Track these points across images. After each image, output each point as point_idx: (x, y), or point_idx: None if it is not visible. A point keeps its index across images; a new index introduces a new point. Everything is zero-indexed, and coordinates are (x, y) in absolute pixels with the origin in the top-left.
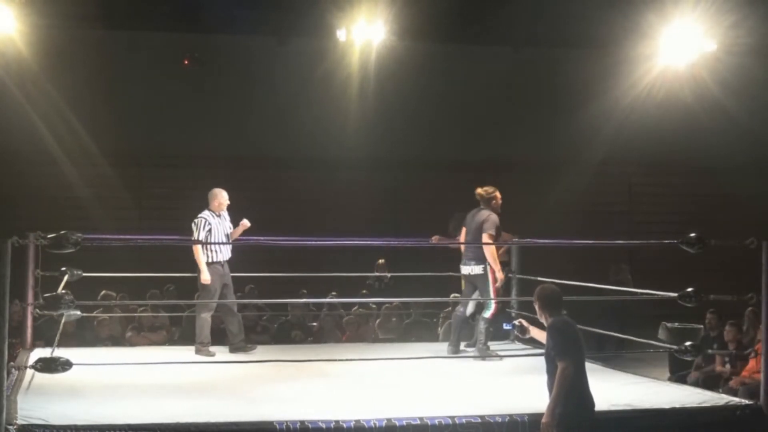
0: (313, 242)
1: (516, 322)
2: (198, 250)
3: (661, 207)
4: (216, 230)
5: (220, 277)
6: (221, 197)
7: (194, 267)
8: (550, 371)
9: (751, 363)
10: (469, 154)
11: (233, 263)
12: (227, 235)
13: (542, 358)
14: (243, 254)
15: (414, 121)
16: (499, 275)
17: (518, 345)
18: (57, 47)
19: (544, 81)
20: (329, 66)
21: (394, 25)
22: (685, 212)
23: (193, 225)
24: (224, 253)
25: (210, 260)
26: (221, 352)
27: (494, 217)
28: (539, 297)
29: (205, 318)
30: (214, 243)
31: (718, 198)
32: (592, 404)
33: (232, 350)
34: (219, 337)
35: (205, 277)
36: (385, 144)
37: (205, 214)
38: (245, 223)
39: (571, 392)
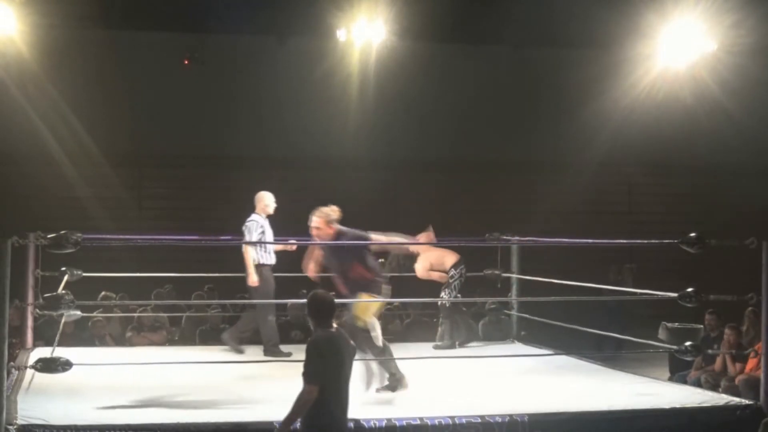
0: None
1: None
2: (249, 251)
3: (661, 207)
4: (268, 233)
5: (271, 280)
6: (267, 200)
7: (194, 267)
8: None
9: (751, 363)
10: (469, 154)
11: (231, 263)
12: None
13: (542, 358)
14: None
15: (414, 121)
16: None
17: (518, 345)
18: (57, 47)
19: (544, 81)
20: (329, 66)
21: (394, 25)
22: (685, 212)
23: (244, 228)
24: (273, 256)
25: (259, 262)
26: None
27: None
28: (310, 303)
29: (271, 320)
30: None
31: (718, 198)
32: (343, 425)
33: (267, 353)
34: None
35: (254, 278)
36: (384, 144)
37: (256, 217)
38: (292, 244)
39: (312, 416)
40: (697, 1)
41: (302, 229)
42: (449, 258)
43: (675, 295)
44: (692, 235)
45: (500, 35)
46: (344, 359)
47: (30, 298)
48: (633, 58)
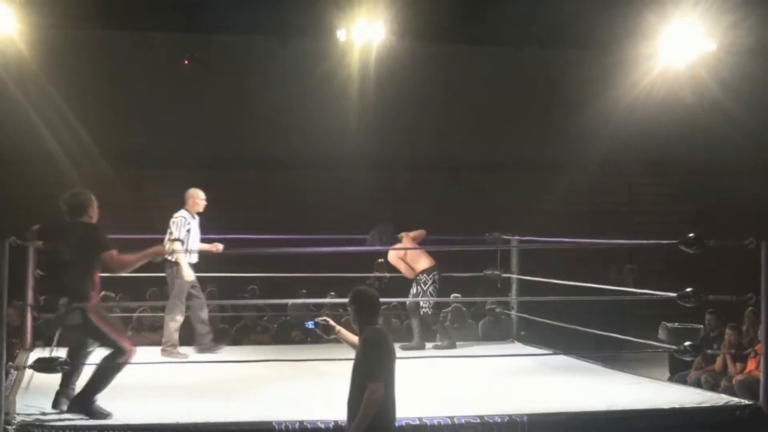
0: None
1: (320, 320)
2: (177, 246)
3: (661, 207)
4: (194, 231)
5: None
6: (197, 197)
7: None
8: (356, 384)
9: (751, 363)
10: (470, 154)
11: (231, 263)
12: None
13: (542, 358)
14: (242, 254)
15: (414, 121)
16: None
17: (518, 345)
18: (57, 47)
19: (544, 81)
20: (329, 66)
21: (394, 25)
22: (685, 212)
23: (172, 223)
24: (195, 256)
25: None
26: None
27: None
28: (356, 300)
29: (179, 320)
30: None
31: (718, 198)
32: (393, 418)
33: (200, 350)
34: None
35: (186, 272)
36: (385, 144)
37: (184, 213)
38: (218, 247)
39: (378, 416)
40: (697, 1)
41: (302, 229)
42: (424, 260)
43: (675, 295)
44: (692, 235)
45: (500, 35)
46: (394, 357)
47: (29, 299)
48: (633, 58)
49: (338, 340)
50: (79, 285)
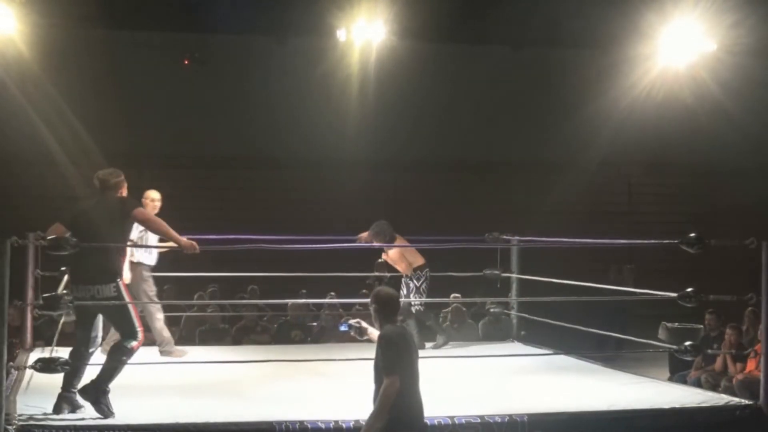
0: (310, 246)
1: (353, 323)
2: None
3: (661, 207)
4: (149, 232)
5: (149, 280)
6: (148, 197)
7: (194, 266)
8: (378, 381)
9: (751, 363)
10: (469, 154)
11: (233, 262)
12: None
13: (542, 359)
14: (242, 254)
15: (414, 121)
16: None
17: (518, 345)
18: (57, 47)
19: (544, 81)
20: (329, 66)
21: (394, 25)
22: (685, 212)
23: None
24: (153, 257)
25: (138, 260)
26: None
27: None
28: (377, 299)
29: (161, 317)
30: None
31: (718, 198)
32: (420, 416)
33: (163, 353)
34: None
35: (125, 275)
36: (385, 144)
37: None
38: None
39: (395, 407)
40: (697, 1)
41: (302, 229)
42: (419, 257)
43: (675, 295)
44: (692, 235)
45: (500, 35)
46: (415, 353)
47: (30, 298)
48: (633, 58)
49: (361, 341)
50: (113, 258)
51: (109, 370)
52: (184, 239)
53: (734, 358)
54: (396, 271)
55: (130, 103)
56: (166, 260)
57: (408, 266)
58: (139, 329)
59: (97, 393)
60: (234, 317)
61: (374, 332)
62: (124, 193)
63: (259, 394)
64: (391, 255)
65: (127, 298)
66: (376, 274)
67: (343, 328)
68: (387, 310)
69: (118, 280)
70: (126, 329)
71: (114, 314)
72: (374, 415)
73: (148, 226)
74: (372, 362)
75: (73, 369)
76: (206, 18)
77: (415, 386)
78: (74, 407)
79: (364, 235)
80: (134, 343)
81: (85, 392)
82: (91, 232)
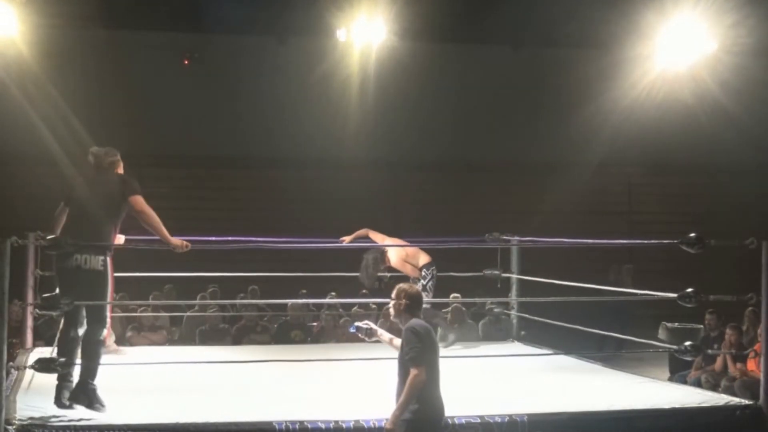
0: (311, 245)
1: (363, 325)
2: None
3: (661, 207)
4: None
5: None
6: None
7: (196, 266)
8: (402, 375)
9: (751, 363)
10: (469, 155)
11: (233, 262)
12: None
13: (542, 359)
14: (243, 254)
15: (414, 121)
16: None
17: (518, 345)
18: (58, 47)
19: (544, 81)
20: (329, 66)
21: (394, 25)
22: (685, 212)
23: None
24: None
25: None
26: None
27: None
28: (408, 296)
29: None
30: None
31: (718, 198)
32: (442, 412)
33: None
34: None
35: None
36: (385, 144)
37: None
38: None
39: (420, 400)
40: (697, 1)
41: (302, 229)
42: (423, 256)
43: (675, 295)
44: (692, 235)
45: (500, 35)
46: (437, 344)
47: (30, 298)
48: (633, 58)
49: (369, 342)
50: (106, 232)
51: (90, 368)
52: (174, 239)
53: (734, 358)
54: (397, 271)
55: (130, 103)
56: (164, 262)
57: (413, 269)
58: (108, 317)
59: (87, 394)
60: (234, 317)
61: (384, 333)
62: (121, 172)
63: (258, 394)
64: (394, 263)
65: (110, 280)
66: (380, 274)
67: (352, 329)
68: (414, 305)
69: (108, 255)
70: (96, 313)
71: (93, 291)
72: (401, 406)
73: (142, 217)
74: (374, 362)
75: (67, 360)
76: (206, 18)
77: (436, 382)
78: (73, 396)
79: (347, 237)
80: (104, 332)
81: (76, 399)
82: (89, 203)
